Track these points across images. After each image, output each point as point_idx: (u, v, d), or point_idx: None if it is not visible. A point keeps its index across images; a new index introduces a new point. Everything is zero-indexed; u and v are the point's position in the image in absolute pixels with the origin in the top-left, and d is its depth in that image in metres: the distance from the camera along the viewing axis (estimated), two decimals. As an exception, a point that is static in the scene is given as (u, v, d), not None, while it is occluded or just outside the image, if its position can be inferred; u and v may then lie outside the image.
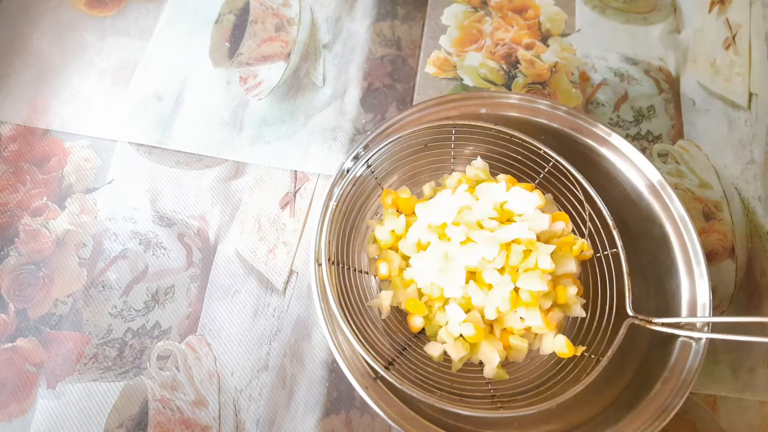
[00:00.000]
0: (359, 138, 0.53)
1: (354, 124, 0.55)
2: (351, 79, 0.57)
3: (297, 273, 0.48)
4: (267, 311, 0.46)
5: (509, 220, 0.42)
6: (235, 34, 0.59)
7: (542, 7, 0.61)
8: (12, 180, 0.51)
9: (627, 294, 0.39)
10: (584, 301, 0.41)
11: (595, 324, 0.40)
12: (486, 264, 0.39)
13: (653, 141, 0.54)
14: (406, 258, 0.44)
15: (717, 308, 0.47)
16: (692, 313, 0.39)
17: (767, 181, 0.52)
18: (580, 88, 0.57)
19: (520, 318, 0.39)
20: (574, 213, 0.43)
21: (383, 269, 0.43)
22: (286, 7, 0.61)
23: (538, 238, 0.40)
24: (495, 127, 0.43)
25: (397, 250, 0.44)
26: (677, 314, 0.40)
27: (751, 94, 0.56)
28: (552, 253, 0.39)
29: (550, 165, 0.43)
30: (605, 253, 0.41)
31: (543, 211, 0.41)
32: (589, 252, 0.42)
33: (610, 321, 0.39)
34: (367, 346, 0.37)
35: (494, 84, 0.57)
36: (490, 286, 0.39)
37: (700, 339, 0.38)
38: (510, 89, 0.56)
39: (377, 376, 0.38)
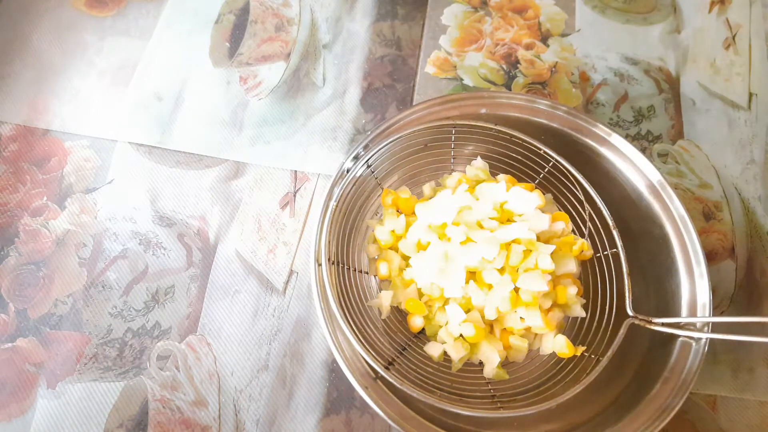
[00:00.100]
0: (359, 138, 0.53)
1: (354, 124, 0.55)
2: (351, 79, 0.57)
3: (297, 273, 0.48)
4: (267, 311, 0.46)
5: (509, 220, 0.42)
6: (235, 34, 0.59)
7: (542, 7, 0.61)
8: (12, 180, 0.51)
9: (627, 294, 0.39)
10: (584, 301, 0.41)
11: (595, 324, 0.40)
12: (486, 264, 0.39)
13: (653, 141, 0.54)
14: (406, 258, 0.44)
15: (717, 308, 0.47)
16: (692, 313, 0.39)
17: (767, 181, 0.52)
18: (580, 88, 0.57)
19: (520, 318, 0.39)
20: (574, 213, 0.43)
21: (383, 269, 0.43)
22: (286, 7, 0.61)
23: (538, 238, 0.40)
24: (495, 127, 0.43)
25: (397, 250, 0.44)
26: (677, 314, 0.40)
27: (751, 94, 0.56)
28: (552, 253, 0.39)
29: (550, 165, 0.43)
30: (605, 253, 0.41)
31: (543, 211, 0.41)
32: (589, 252, 0.42)
33: (610, 321, 0.39)
34: (367, 346, 0.37)
35: (494, 84, 0.57)
36: (490, 286, 0.39)
37: (700, 339, 0.38)
38: (510, 89, 0.56)
39: (377, 376, 0.38)
